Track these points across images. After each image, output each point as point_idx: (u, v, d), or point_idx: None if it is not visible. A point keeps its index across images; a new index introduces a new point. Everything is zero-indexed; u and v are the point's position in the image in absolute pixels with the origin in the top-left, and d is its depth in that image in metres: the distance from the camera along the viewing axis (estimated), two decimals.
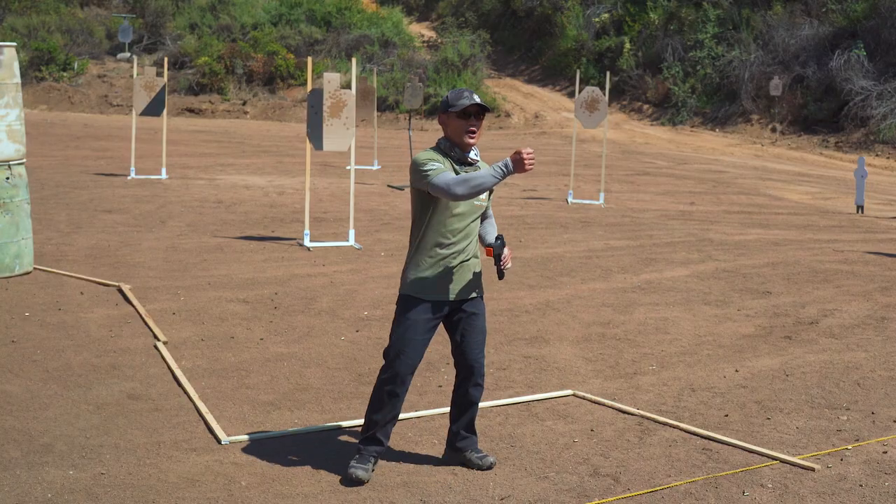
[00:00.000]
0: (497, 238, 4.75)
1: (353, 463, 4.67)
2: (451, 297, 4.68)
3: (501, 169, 4.40)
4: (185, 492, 4.48)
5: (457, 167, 4.64)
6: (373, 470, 4.71)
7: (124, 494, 4.43)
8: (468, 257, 4.69)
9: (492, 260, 4.80)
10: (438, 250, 4.65)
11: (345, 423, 5.39)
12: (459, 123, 4.62)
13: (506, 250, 4.73)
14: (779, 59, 28.71)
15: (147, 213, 12.55)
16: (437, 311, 4.68)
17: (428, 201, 4.64)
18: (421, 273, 4.66)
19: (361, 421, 5.43)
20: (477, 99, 4.64)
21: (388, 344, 4.73)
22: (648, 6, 32.84)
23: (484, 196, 4.69)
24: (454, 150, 4.67)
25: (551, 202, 15.13)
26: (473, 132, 4.63)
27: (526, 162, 4.34)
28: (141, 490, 4.48)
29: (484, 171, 4.47)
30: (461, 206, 4.63)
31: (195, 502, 4.39)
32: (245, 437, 5.14)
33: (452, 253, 4.65)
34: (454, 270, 4.67)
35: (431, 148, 4.73)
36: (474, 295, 4.75)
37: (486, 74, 33.56)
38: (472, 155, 4.69)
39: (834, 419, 5.72)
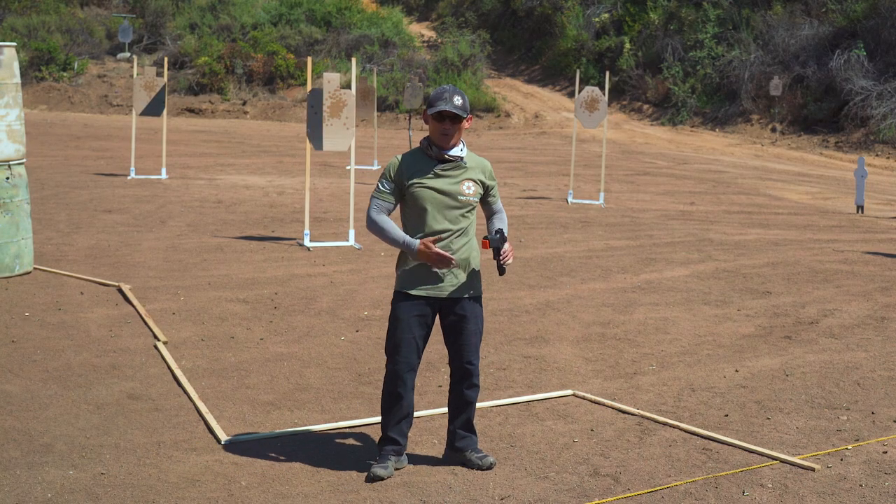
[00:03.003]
0: (497, 232, 4.74)
1: (373, 465, 4.71)
2: (441, 293, 4.67)
3: (407, 244, 4.59)
4: (185, 492, 4.48)
5: (436, 167, 4.67)
6: (396, 468, 4.73)
7: (124, 494, 4.43)
8: (456, 256, 4.65)
9: (495, 258, 4.76)
10: None
11: (345, 423, 5.39)
12: (435, 125, 4.67)
13: (507, 245, 4.71)
14: (779, 59, 28.71)
15: (147, 213, 12.55)
16: (428, 307, 4.69)
17: (401, 198, 4.74)
18: (407, 267, 4.69)
19: (361, 421, 5.46)
20: (457, 102, 4.62)
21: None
22: (648, 6, 32.83)
23: (469, 192, 4.67)
24: (432, 148, 4.70)
25: (551, 202, 15.13)
26: (446, 136, 4.65)
27: (430, 257, 4.55)
28: (141, 490, 4.49)
29: (396, 233, 4.62)
30: (429, 205, 4.63)
31: (195, 502, 4.39)
32: (245, 437, 5.15)
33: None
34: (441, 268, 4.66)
35: (415, 149, 4.79)
36: (467, 294, 4.72)
37: (486, 74, 33.54)
38: (454, 152, 4.69)
39: (834, 419, 5.72)
